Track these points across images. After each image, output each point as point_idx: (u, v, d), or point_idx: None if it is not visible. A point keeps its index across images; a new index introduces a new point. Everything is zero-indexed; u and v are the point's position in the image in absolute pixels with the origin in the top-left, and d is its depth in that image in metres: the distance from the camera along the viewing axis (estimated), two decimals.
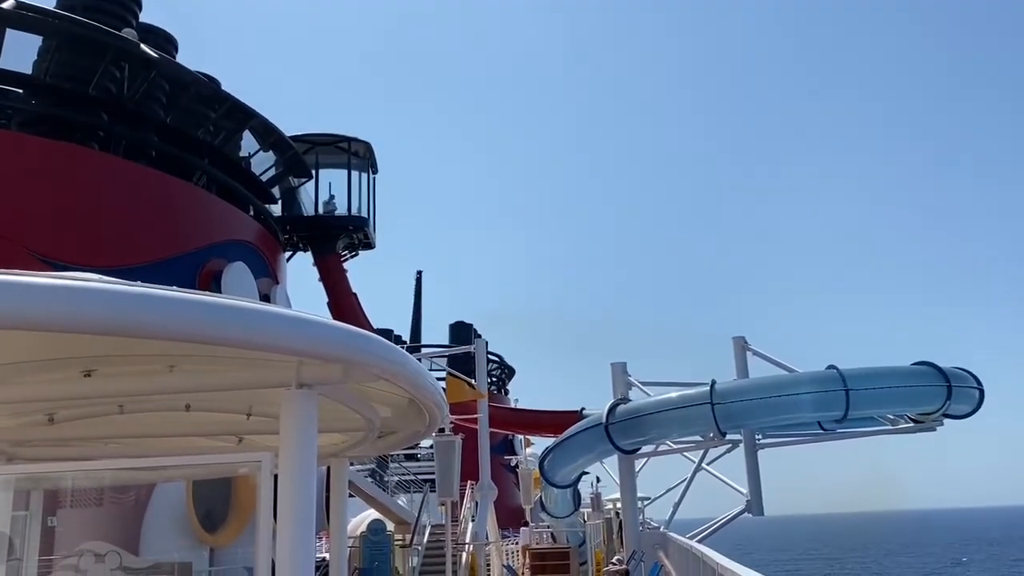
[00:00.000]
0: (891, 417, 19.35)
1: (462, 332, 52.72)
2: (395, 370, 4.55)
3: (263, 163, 23.52)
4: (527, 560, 23.25)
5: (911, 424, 19.03)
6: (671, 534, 16.87)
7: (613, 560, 17.34)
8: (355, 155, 29.27)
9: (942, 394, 17.70)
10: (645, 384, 20.53)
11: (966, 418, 18.95)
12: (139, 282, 3.46)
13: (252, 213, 22.05)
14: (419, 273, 61.57)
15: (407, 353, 4.99)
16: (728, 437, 18.94)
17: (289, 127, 24.24)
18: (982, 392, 18.65)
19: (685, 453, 20.72)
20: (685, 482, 20.58)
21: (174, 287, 3.50)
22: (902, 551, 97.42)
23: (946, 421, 18.77)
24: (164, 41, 21.25)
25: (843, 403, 17.07)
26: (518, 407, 45.02)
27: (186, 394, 5.04)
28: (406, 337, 53.39)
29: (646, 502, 22.99)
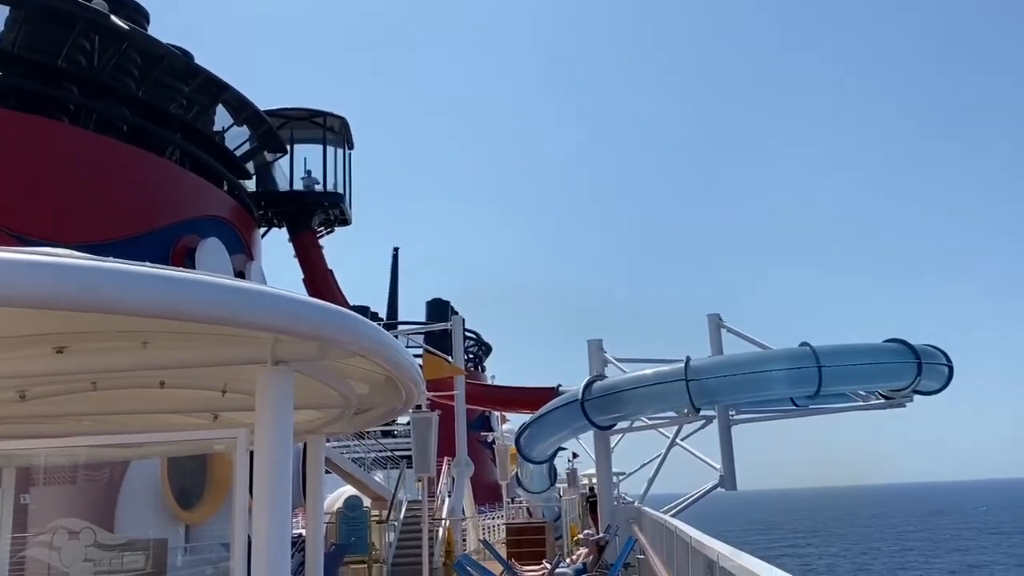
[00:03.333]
0: (863, 393, 19.62)
1: (439, 309, 52.69)
2: (371, 347, 4.53)
3: (237, 138, 23.25)
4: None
5: (882, 400, 19.31)
6: (645, 508, 17.07)
7: (581, 535, 17.51)
8: (330, 130, 29.00)
9: (912, 371, 17.96)
10: (621, 361, 20.66)
11: (935, 394, 19.26)
12: (111, 258, 3.42)
13: (226, 188, 21.82)
14: (396, 250, 61.36)
15: (383, 330, 4.98)
16: (702, 413, 19.14)
17: (263, 102, 23.98)
18: (951, 369, 18.93)
19: (660, 429, 20.92)
20: (660, 457, 20.79)
21: (147, 263, 3.46)
22: (864, 523, 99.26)
23: (916, 397, 19.06)
24: (135, 12, 20.85)
25: (816, 380, 17.28)
26: (495, 384, 45.15)
27: (160, 371, 4.99)
28: (383, 314, 53.28)
29: (621, 477, 23.22)
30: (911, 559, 58.66)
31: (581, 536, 16.93)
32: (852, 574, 51.57)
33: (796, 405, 19.86)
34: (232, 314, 3.63)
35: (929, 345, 18.81)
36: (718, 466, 20.05)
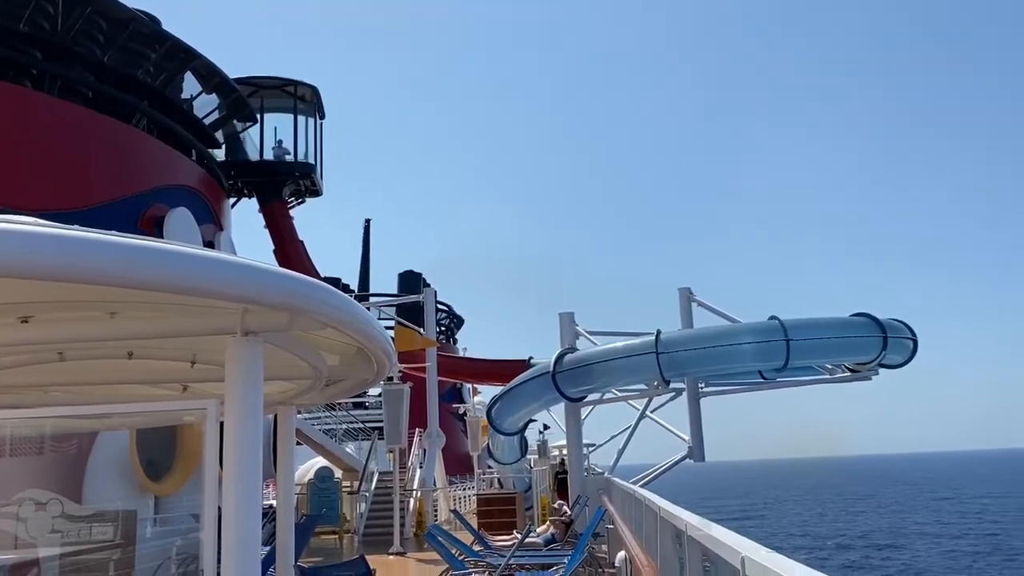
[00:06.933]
0: (829, 366, 19.90)
1: (411, 281, 52.57)
2: (342, 318, 4.52)
3: (206, 106, 22.92)
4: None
5: (848, 373, 19.59)
6: (615, 479, 17.25)
7: (554, 506, 17.73)
8: (301, 99, 28.66)
9: (878, 344, 18.23)
10: (592, 334, 20.76)
11: (900, 367, 19.58)
12: (77, 226, 3.37)
13: (195, 158, 21.53)
14: (367, 221, 61.07)
15: (354, 301, 4.97)
16: (672, 385, 19.31)
17: (233, 70, 23.61)
18: (916, 343, 19.24)
19: (630, 401, 21.10)
20: (629, 429, 20.99)
21: (115, 231, 3.42)
22: (828, 493, 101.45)
23: (881, 371, 19.37)
24: None
25: (784, 353, 17.48)
26: (467, 356, 45.24)
27: (128, 341, 4.94)
28: (354, 286, 53.04)
29: (591, 449, 23.42)
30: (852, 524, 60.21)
31: (555, 506, 17.16)
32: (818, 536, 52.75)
33: (764, 378, 20.10)
34: (201, 284, 3.59)
35: (895, 319, 19.08)
36: (687, 437, 20.28)
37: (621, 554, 9.77)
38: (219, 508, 4.43)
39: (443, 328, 54.54)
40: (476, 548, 13.93)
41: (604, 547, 15.14)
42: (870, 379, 19.50)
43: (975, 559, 41.98)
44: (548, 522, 16.27)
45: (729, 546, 3.43)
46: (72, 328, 4.58)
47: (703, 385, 20.53)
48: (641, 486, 14.57)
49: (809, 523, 65.47)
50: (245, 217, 30.40)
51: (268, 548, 8.00)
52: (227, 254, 4.10)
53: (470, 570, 11.42)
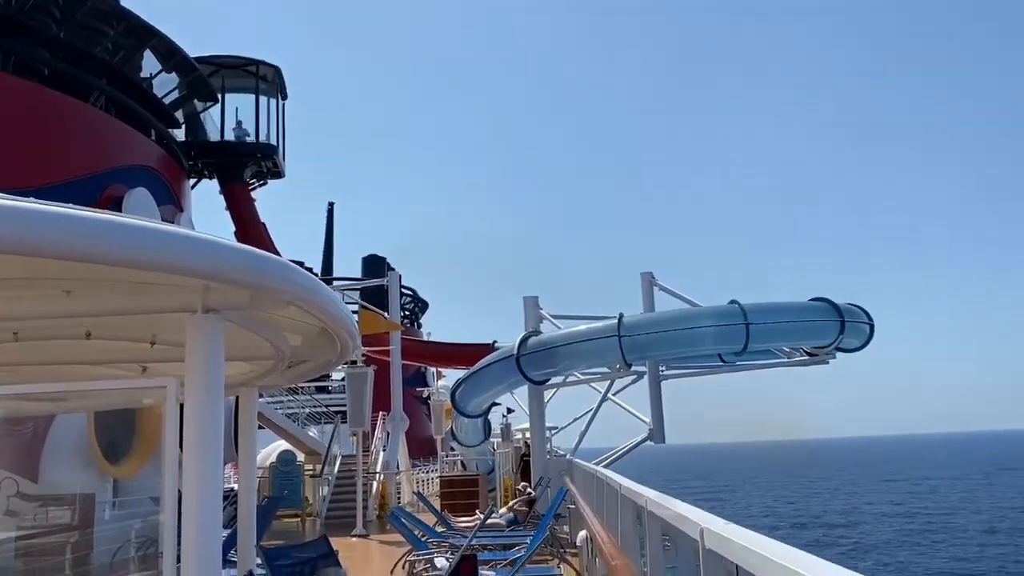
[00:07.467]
0: (788, 350, 20.19)
1: (375, 265, 52.35)
2: (305, 296, 4.49)
3: (165, 85, 22.54)
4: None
5: (806, 357, 19.90)
6: (577, 460, 17.40)
7: (519, 487, 17.87)
8: (263, 79, 28.28)
9: (836, 328, 18.52)
10: (556, 317, 20.86)
11: (857, 351, 19.93)
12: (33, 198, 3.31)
13: (154, 137, 21.17)
14: (331, 204, 60.71)
15: (318, 280, 4.94)
16: (634, 368, 19.48)
17: (193, 48, 23.24)
18: (872, 327, 19.58)
19: (593, 384, 21.26)
20: (592, 411, 21.16)
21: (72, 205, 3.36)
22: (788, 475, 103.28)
23: (838, 355, 19.70)
24: None
25: (743, 336, 17.70)
26: (431, 340, 45.18)
27: (86, 319, 4.87)
28: (318, 270, 52.64)
29: (554, 431, 23.59)
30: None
31: (519, 487, 17.29)
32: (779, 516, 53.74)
33: (724, 361, 20.34)
34: (161, 259, 3.55)
35: (852, 304, 19.39)
36: (648, 420, 20.50)
37: (582, 533, 9.87)
38: (179, 490, 4.40)
39: (407, 312, 54.41)
40: (439, 529, 13.99)
41: (566, 528, 15.29)
42: (827, 363, 19.83)
43: (924, 536, 43.30)
44: (510, 503, 16.39)
45: (688, 519, 3.50)
46: (28, 306, 4.49)
47: (664, 368, 20.74)
48: (603, 468, 14.71)
49: (768, 504, 66.65)
50: (206, 198, 30.00)
51: (229, 531, 7.96)
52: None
53: (432, 551, 11.46)
